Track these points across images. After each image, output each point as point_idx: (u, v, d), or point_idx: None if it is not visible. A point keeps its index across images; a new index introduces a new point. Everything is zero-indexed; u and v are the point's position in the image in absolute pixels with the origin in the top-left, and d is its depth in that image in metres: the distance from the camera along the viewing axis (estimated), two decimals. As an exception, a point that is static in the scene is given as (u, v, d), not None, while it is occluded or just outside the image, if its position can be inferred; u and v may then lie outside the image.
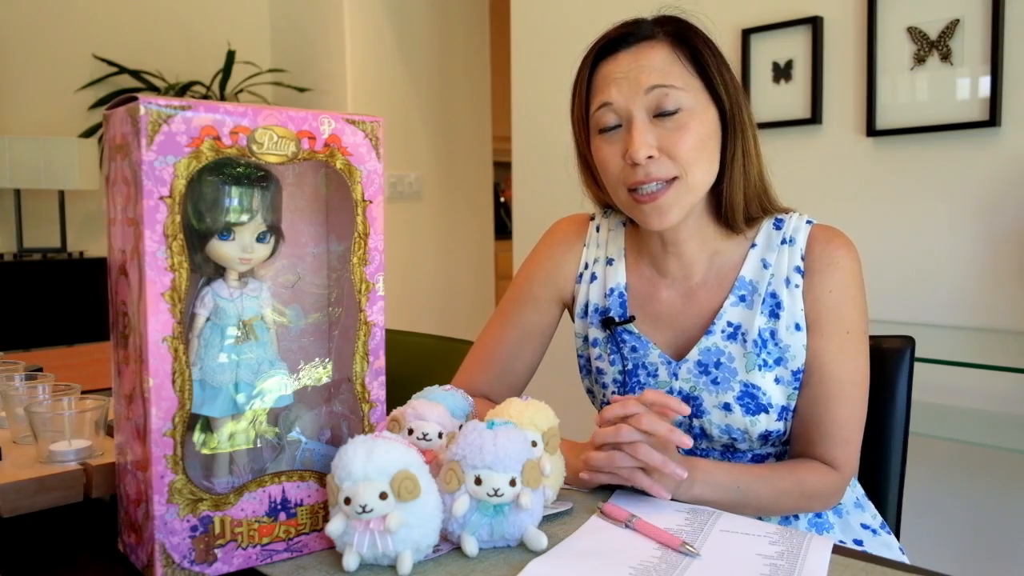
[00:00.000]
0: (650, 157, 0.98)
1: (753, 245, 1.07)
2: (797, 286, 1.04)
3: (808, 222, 1.07)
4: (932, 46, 1.98)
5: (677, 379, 1.06)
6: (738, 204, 1.05)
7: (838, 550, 0.77)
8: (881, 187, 2.10)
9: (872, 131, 2.08)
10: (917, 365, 1.21)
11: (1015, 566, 1.91)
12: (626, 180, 1.01)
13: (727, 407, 1.03)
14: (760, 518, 1.02)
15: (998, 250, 1.93)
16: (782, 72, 2.25)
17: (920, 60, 2.00)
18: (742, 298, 1.06)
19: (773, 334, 1.03)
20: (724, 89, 1.02)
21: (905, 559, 1.07)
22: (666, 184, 0.99)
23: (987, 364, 1.66)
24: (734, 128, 1.03)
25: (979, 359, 1.71)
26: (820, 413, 1.02)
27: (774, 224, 1.08)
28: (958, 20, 1.93)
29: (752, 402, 1.02)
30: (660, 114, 0.99)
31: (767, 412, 1.02)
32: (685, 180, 1.00)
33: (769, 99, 2.27)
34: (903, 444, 1.18)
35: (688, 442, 0.86)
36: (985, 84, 1.90)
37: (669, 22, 1.04)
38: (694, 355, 1.06)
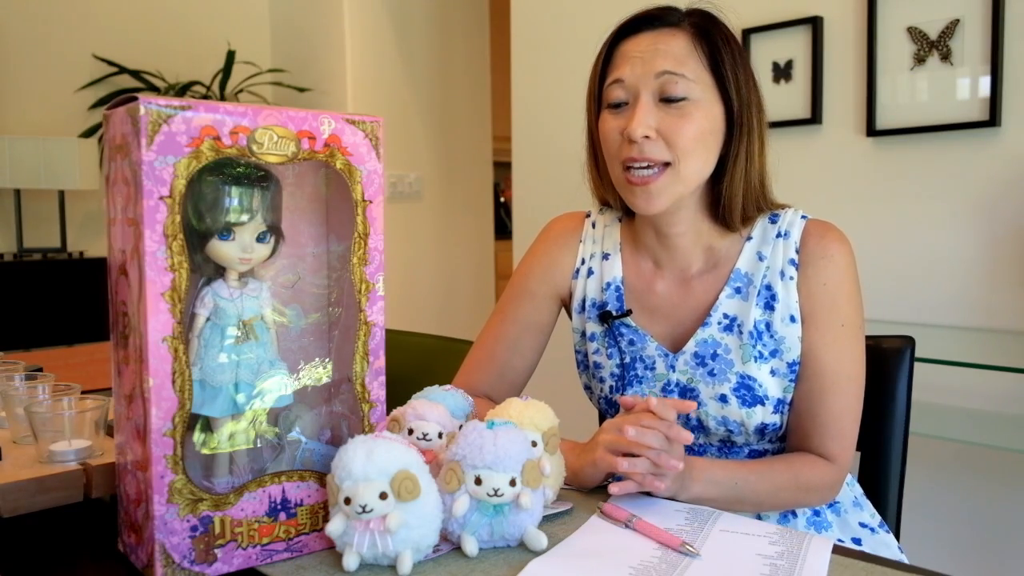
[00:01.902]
0: (647, 137, 0.99)
1: (749, 238, 1.08)
2: (792, 278, 1.04)
3: (803, 217, 1.08)
4: (932, 46, 1.98)
5: (674, 371, 1.07)
6: (736, 204, 1.05)
7: (838, 550, 0.77)
8: (881, 187, 2.10)
9: (872, 131, 2.08)
10: (917, 365, 1.21)
11: (1015, 566, 1.91)
12: (621, 155, 1.02)
13: (723, 399, 1.03)
14: (759, 516, 1.03)
15: (998, 250, 1.93)
16: (782, 72, 2.25)
17: (920, 60, 2.00)
18: (737, 290, 1.06)
19: (768, 326, 1.04)
20: (736, 89, 1.03)
21: (904, 558, 1.07)
22: (659, 170, 1.00)
23: (987, 364, 1.66)
24: (740, 129, 1.04)
25: (979, 359, 1.71)
26: (815, 406, 1.03)
27: (769, 218, 1.09)
28: (958, 20, 1.93)
29: (748, 394, 1.03)
30: (666, 100, 1.00)
31: (763, 404, 1.03)
32: (676, 168, 1.01)
33: (769, 99, 2.23)
34: (903, 444, 1.18)
35: (689, 437, 0.87)
36: (985, 84, 1.90)
37: (697, 14, 1.05)
38: (691, 347, 1.06)
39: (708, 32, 1.03)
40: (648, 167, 1.01)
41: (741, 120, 1.03)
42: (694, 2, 1.08)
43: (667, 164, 1.01)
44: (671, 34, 1.03)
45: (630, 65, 1.02)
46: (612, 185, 1.10)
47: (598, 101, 1.07)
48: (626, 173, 1.02)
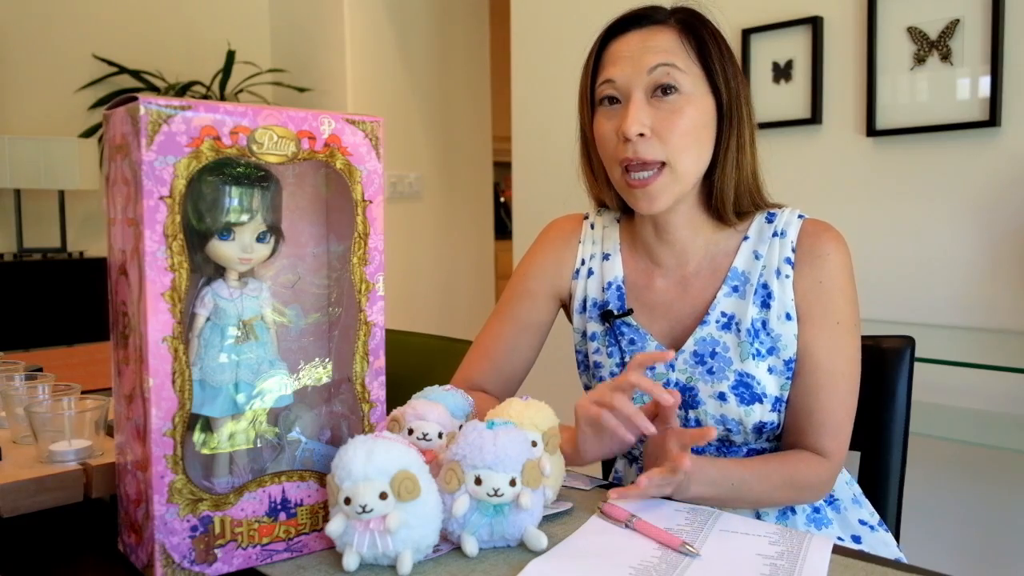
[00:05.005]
0: (641, 135, 1.00)
1: (746, 237, 1.09)
2: (788, 277, 1.05)
3: (800, 216, 1.08)
4: (932, 46, 1.98)
5: (674, 370, 1.07)
6: (728, 196, 1.07)
7: (838, 550, 0.77)
8: (881, 187, 2.10)
9: (872, 131, 2.08)
10: (917, 365, 1.21)
11: (1015, 566, 1.91)
12: (618, 156, 1.03)
13: (722, 396, 1.04)
14: (758, 515, 1.03)
15: (998, 250, 1.93)
16: (782, 72, 2.25)
17: (920, 60, 2.00)
18: (735, 288, 1.07)
19: (765, 324, 1.05)
20: (724, 82, 1.05)
21: (903, 557, 1.07)
22: (656, 171, 1.02)
23: (987, 364, 1.66)
24: (730, 121, 1.05)
25: (979, 359, 1.71)
26: (810, 403, 1.03)
27: (766, 217, 1.10)
28: (958, 20, 1.93)
29: (746, 391, 1.03)
30: (658, 92, 1.01)
31: (761, 402, 1.04)
32: (673, 168, 1.02)
33: (769, 99, 2.27)
34: (903, 444, 1.18)
35: (669, 399, 0.87)
36: (985, 84, 1.90)
37: (683, 11, 1.07)
38: (690, 345, 1.07)
39: (695, 27, 1.05)
40: (646, 169, 1.01)
41: (731, 113, 1.05)
42: (678, 1, 1.09)
43: (663, 164, 1.02)
44: (659, 30, 1.05)
45: (620, 65, 1.03)
46: (608, 185, 1.12)
47: (591, 102, 1.08)
48: (625, 175, 1.03)
